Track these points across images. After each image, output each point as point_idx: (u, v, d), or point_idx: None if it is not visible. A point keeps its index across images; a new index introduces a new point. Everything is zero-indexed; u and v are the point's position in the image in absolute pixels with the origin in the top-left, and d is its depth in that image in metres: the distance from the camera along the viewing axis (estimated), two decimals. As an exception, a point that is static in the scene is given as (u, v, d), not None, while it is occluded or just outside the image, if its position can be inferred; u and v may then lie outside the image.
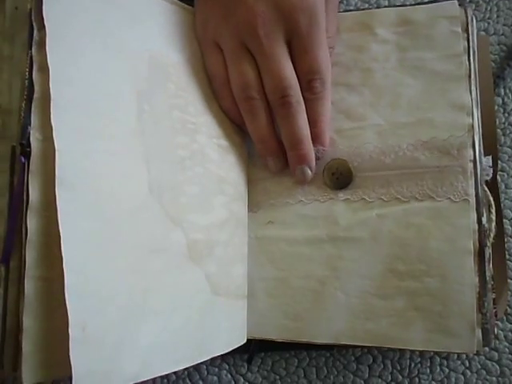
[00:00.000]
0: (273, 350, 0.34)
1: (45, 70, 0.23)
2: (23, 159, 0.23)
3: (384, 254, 0.30)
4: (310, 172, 0.32)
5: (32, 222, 0.23)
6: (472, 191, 0.30)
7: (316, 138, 0.31)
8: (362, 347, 0.34)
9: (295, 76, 0.30)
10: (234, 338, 0.31)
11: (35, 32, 0.24)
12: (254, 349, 0.33)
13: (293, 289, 0.31)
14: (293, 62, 0.30)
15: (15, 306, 0.23)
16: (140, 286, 0.25)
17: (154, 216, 0.27)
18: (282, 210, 0.33)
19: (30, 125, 0.23)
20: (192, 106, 0.31)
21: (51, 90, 0.23)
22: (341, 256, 0.31)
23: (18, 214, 0.23)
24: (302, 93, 0.30)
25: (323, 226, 0.32)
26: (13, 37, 0.25)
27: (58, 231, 0.22)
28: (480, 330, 0.29)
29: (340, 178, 0.31)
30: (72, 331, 0.21)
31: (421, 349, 0.29)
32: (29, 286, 0.22)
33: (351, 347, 0.33)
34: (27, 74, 0.24)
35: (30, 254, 0.22)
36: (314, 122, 0.31)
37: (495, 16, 0.39)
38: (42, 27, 0.24)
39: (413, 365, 0.34)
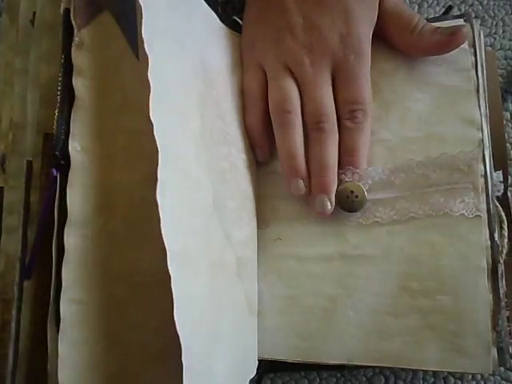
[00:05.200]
0: (283, 371, 0.33)
1: (83, 73, 0.21)
2: (55, 172, 0.21)
3: (396, 272, 0.30)
4: (329, 205, 0.30)
5: (70, 240, 0.20)
6: (483, 207, 0.29)
7: (352, 164, 0.30)
8: (375, 367, 0.33)
9: (334, 106, 0.30)
10: (254, 359, 0.30)
11: (75, 32, 0.22)
12: (263, 369, 0.33)
13: (303, 307, 0.31)
14: (336, 93, 0.31)
15: (28, 328, 0.21)
16: (213, 307, 0.23)
17: (216, 230, 0.25)
18: (290, 228, 0.32)
19: (63, 135, 0.21)
20: (228, 117, 0.30)
21: (152, 85, 0.20)
22: (352, 274, 0.30)
23: (43, 231, 0.21)
24: (342, 121, 0.30)
25: (333, 244, 0.31)
26: (26, 50, 0.24)
27: (95, 250, 0.20)
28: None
29: (354, 200, 0.30)
30: (185, 360, 0.19)
31: (435, 369, 0.29)
32: (64, 309, 0.20)
33: (363, 367, 0.33)
34: (60, 79, 0.22)
35: (67, 276, 0.20)
36: (351, 151, 0.30)
37: (501, 31, 0.39)
38: (82, 26, 0.22)
39: (425, 384, 0.33)
